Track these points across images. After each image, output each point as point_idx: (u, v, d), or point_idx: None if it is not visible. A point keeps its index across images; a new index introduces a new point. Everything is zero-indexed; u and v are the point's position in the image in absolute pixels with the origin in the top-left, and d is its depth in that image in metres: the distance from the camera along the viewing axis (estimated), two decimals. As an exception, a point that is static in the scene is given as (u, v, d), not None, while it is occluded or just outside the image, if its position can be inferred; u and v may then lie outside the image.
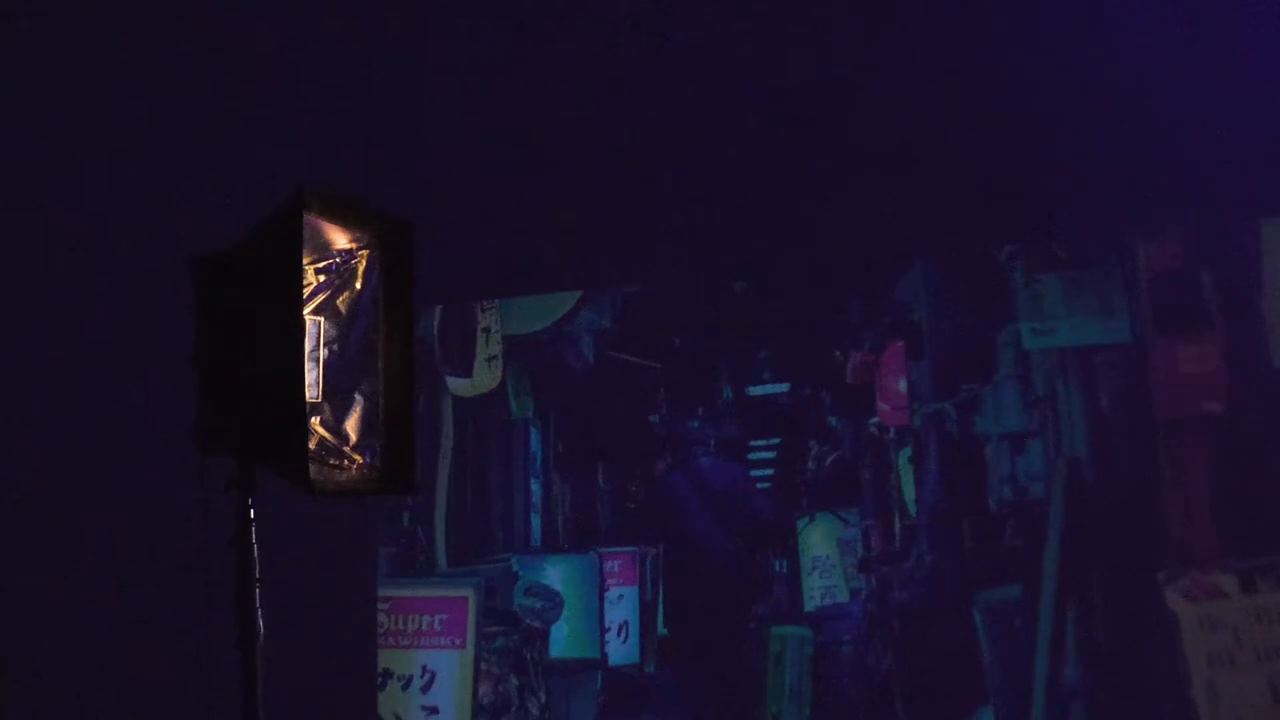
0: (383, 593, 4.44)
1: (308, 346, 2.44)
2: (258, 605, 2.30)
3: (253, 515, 2.31)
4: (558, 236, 4.23)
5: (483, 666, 4.37)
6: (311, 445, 2.42)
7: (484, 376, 4.48)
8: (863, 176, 4.09)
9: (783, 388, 4.28)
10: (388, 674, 4.39)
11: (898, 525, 4.15)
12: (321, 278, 2.47)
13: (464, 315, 4.51)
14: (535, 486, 4.43)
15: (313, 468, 2.38)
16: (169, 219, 3.76)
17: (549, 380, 4.46)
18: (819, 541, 4.19)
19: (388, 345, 2.48)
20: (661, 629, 4.28)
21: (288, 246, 2.17)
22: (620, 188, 4.19)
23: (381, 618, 4.41)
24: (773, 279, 4.28)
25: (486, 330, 4.49)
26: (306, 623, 4.02)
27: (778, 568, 4.22)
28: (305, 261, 2.43)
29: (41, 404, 3.92)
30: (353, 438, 2.46)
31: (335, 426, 2.45)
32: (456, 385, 4.50)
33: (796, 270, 4.23)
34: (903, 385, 4.19)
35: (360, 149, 4.17)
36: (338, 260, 2.47)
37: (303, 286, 2.26)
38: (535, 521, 4.42)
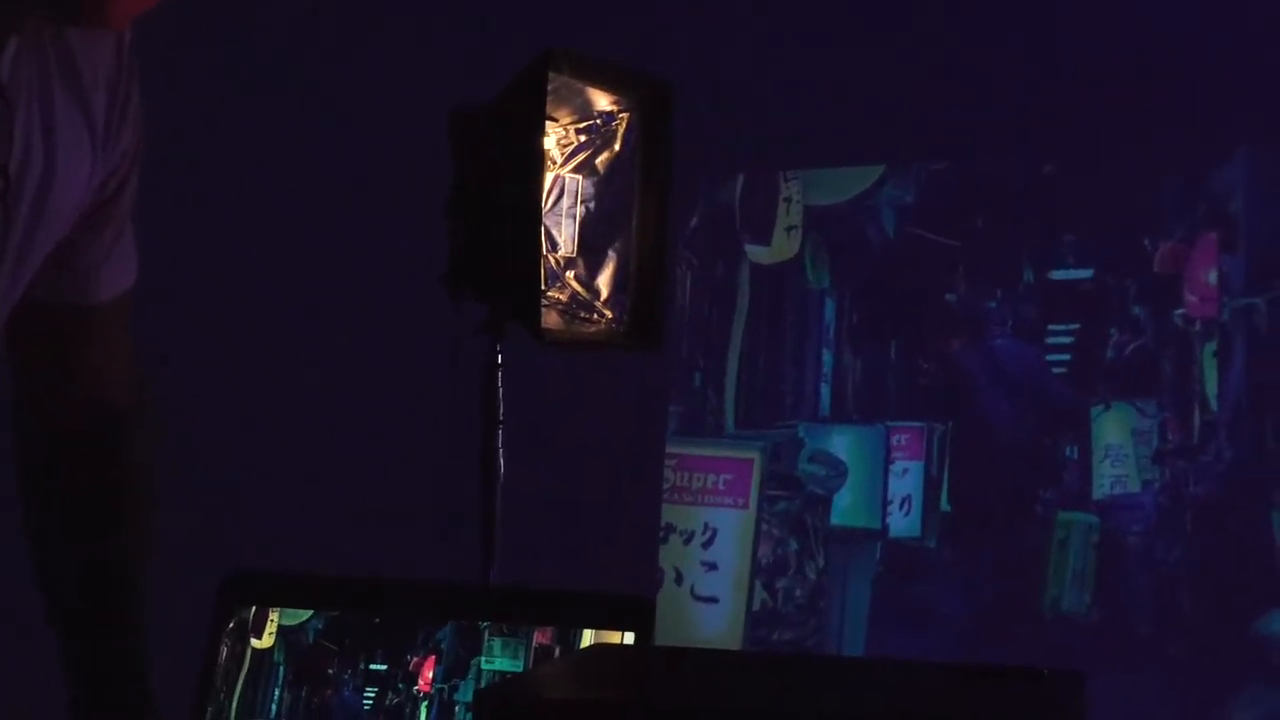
0: (670, 449, 4.54)
1: (566, 203, 2.55)
2: (499, 446, 2.41)
3: (500, 359, 2.43)
4: (865, 110, 4.22)
5: (764, 528, 4.45)
6: (564, 298, 2.52)
7: (783, 245, 4.52)
8: (1184, 60, 3.99)
9: (1086, 273, 4.21)
10: (670, 528, 4.49)
11: (1197, 419, 4.07)
12: (583, 137, 2.55)
13: (766, 184, 4.54)
14: (827, 356, 4.45)
15: (561, 320, 2.49)
16: (435, 72, 3.90)
17: (847, 252, 4.46)
18: (1113, 430, 4.14)
19: (643, 206, 2.55)
20: (945, 505, 4.30)
21: (532, 104, 2.27)
22: (930, 61, 4.16)
23: (668, 473, 4.52)
24: (1083, 162, 4.21)
25: (788, 200, 4.51)
26: (598, 472, 4.18)
27: (1068, 453, 4.18)
28: (567, 121, 2.52)
29: (302, 251, 4.14)
30: (604, 293, 2.55)
31: (588, 282, 2.54)
32: (755, 253, 4.55)
33: (1109, 155, 4.15)
34: (1213, 277, 4.08)
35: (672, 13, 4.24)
36: (599, 121, 2.55)
37: (543, 144, 2.35)
38: (824, 391, 4.45)
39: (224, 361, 4.12)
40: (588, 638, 1.45)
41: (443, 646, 1.50)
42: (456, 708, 1.49)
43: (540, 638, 1.48)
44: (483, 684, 1.47)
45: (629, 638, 1.43)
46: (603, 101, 2.54)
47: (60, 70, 1.69)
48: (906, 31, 4.21)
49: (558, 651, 1.46)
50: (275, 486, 4.03)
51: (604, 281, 2.56)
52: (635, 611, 1.44)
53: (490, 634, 1.49)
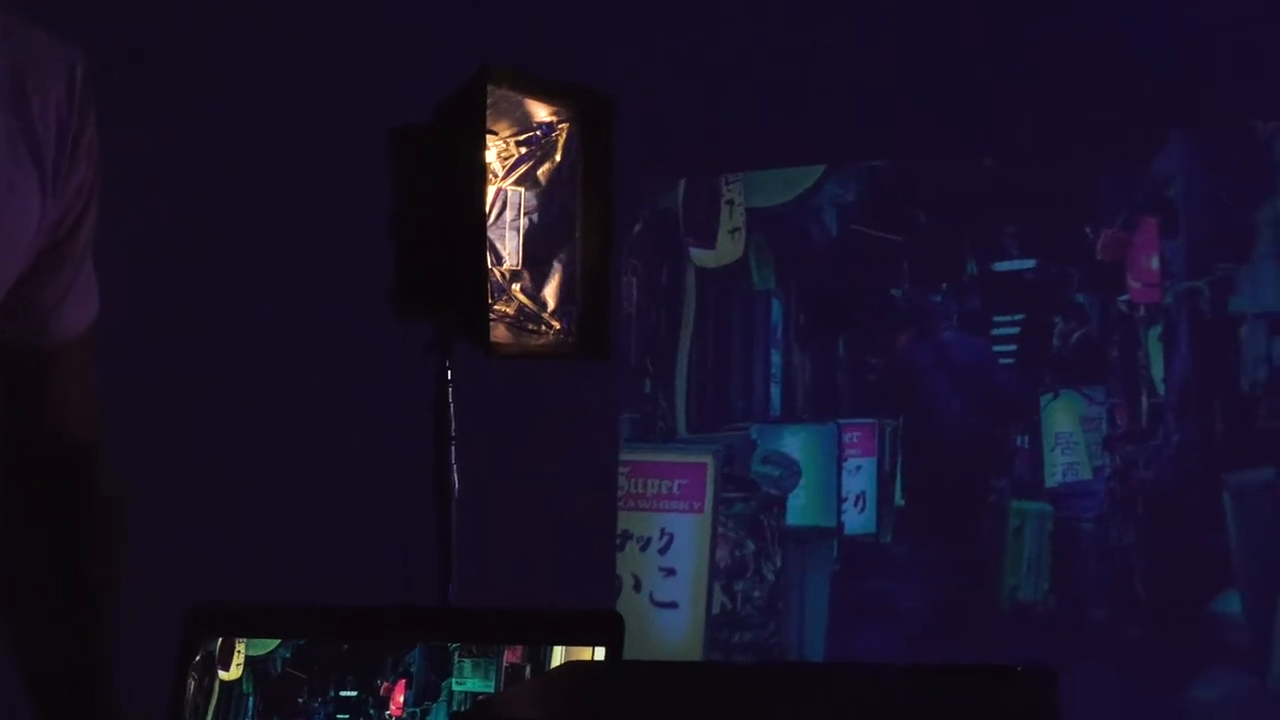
0: (624, 457, 4.54)
1: (509, 216, 2.54)
2: (453, 462, 2.40)
3: (450, 376, 2.42)
4: (804, 110, 4.23)
5: (720, 531, 4.46)
6: (511, 311, 2.52)
7: (727, 248, 4.52)
8: (1118, 47, 4.01)
9: (1029, 263, 4.24)
10: (627, 535, 4.49)
11: (1145, 404, 4.10)
12: (523, 149, 2.55)
13: (708, 188, 4.55)
14: (775, 357, 4.46)
15: (510, 333, 2.48)
16: (368, 91, 3.89)
17: (791, 252, 4.47)
18: (1062, 418, 4.16)
19: (586, 215, 2.55)
20: (899, 500, 4.32)
21: (472, 118, 2.26)
22: (865, 60, 4.17)
23: (622, 481, 4.52)
24: (1022, 154, 4.22)
25: (730, 203, 4.52)
26: (552, 483, 4.17)
27: (1019, 443, 4.20)
28: (507, 134, 2.52)
29: (247, 275, 4.11)
30: (551, 304, 2.55)
31: (534, 294, 2.54)
32: (700, 257, 4.55)
33: (1047, 145, 4.17)
34: (1155, 263, 4.11)
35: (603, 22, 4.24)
36: (538, 132, 2.54)
37: (484, 157, 2.34)
38: (775, 391, 4.46)
39: (172, 384, 4.09)
40: (558, 655, 1.45)
41: (413, 670, 1.49)
42: (430, 731, 1.48)
43: (510, 657, 1.47)
44: (455, 706, 1.46)
45: (599, 653, 1.43)
46: (541, 113, 2.54)
47: (8, 107, 1.67)
48: (841, 31, 4.22)
49: (529, 670, 1.45)
50: (224, 512, 4.00)
51: (550, 292, 2.56)
52: (605, 627, 1.44)
53: (460, 655, 1.49)
